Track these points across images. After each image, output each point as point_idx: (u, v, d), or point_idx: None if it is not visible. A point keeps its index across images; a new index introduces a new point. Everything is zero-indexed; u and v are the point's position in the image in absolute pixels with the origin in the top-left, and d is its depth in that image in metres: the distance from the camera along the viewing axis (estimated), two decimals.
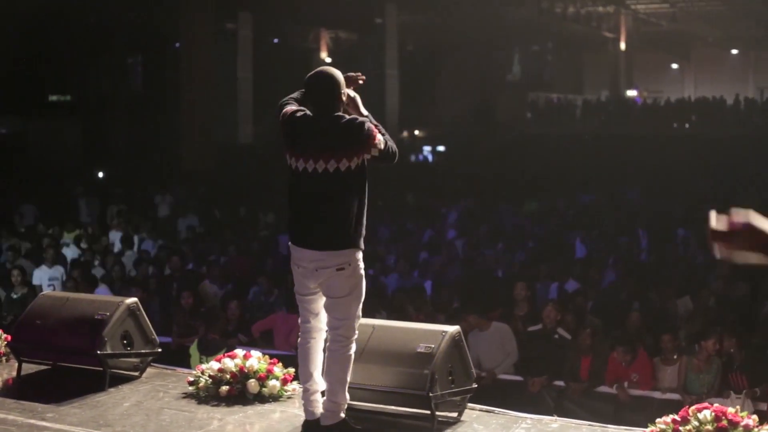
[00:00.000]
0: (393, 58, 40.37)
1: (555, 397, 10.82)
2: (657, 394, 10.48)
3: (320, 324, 6.03)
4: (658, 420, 5.73)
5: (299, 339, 6.08)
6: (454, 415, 6.31)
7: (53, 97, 39.22)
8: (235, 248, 17.04)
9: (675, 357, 10.82)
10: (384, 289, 13.65)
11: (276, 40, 42.61)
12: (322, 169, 5.68)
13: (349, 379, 5.90)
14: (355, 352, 5.93)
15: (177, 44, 31.15)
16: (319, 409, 5.92)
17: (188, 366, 9.15)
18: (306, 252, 5.81)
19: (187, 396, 6.89)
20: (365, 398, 6.25)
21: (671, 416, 5.67)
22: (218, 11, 32.13)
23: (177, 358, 10.46)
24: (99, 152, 35.41)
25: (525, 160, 33.10)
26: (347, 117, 5.77)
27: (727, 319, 11.65)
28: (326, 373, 5.90)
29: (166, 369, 7.70)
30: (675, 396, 10.31)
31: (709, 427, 5.53)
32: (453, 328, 6.31)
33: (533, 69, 52.20)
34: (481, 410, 6.52)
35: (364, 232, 5.83)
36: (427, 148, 43.69)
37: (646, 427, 5.82)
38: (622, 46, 49.71)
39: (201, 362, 9.29)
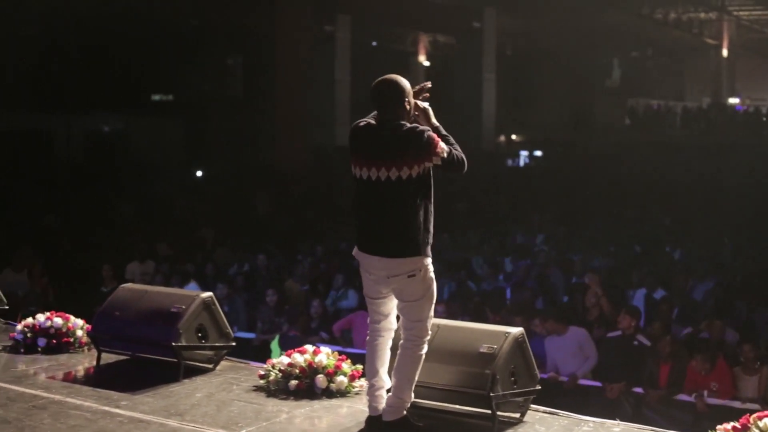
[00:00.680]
0: (491, 62, 40.29)
1: (633, 404, 10.80)
2: (737, 404, 10.37)
3: (390, 324, 6.12)
4: (719, 427, 5.71)
5: (368, 337, 6.18)
6: (517, 415, 6.35)
7: (156, 97, 39.97)
8: (323, 248, 17.23)
9: (757, 367, 10.71)
10: (469, 292, 13.74)
11: (374, 43, 42.82)
12: (385, 177, 5.75)
13: (417, 378, 5.99)
14: (425, 353, 6.02)
15: (276, 46, 31.50)
16: (382, 405, 6.01)
17: None
18: (374, 259, 5.89)
19: (258, 389, 7.03)
20: (427, 396, 6.32)
21: (732, 423, 5.64)
22: (317, 13, 32.43)
23: (260, 353, 10.66)
24: (199, 151, 36.02)
25: (621, 166, 32.82)
26: (408, 125, 5.82)
27: None
28: (396, 370, 5.99)
29: (240, 362, 7.87)
30: (755, 406, 10.18)
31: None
32: (516, 330, 6.35)
33: (633, 75, 51.67)
34: (544, 412, 6.55)
35: (431, 239, 5.88)
36: (524, 153, 43.55)
37: None
38: (725, 52, 49.02)
39: None
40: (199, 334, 7.47)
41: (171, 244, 18.57)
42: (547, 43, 40.88)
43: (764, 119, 43.72)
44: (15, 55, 30.73)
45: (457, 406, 6.38)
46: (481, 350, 6.18)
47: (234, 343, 7.79)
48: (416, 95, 6.02)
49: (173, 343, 7.26)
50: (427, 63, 43.52)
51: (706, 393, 10.48)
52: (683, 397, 10.63)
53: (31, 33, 31.89)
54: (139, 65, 33.99)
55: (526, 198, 26.22)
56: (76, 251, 17.82)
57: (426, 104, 6.03)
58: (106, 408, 6.54)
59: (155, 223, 20.44)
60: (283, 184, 27.39)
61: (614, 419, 6.45)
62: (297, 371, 6.96)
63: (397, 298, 5.97)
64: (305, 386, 6.91)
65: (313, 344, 7.61)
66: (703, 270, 15.30)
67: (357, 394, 6.88)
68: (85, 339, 8.19)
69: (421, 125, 5.89)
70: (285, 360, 7.05)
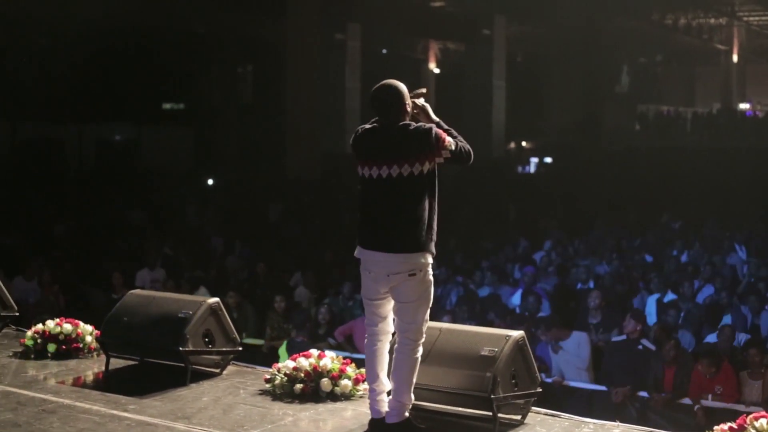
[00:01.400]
0: (500, 69, 40.36)
1: (638, 408, 10.88)
2: (741, 407, 10.43)
3: (387, 327, 6.21)
4: (716, 427, 5.80)
5: (366, 341, 6.28)
6: (518, 417, 6.45)
7: (167, 106, 40.18)
8: (331, 255, 17.36)
9: (762, 371, 10.77)
10: (476, 299, 13.86)
11: (384, 51, 42.98)
12: (396, 173, 5.87)
13: (415, 380, 6.08)
14: (422, 355, 6.11)
15: (286, 54, 31.63)
16: (384, 408, 6.11)
17: None
18: (377, 255, 5.98)
19: (263, 393, 7.14)
20: (430, 398, 6.43)
21: (728, 424, 5.73)
22: (327, 22, 32.55)
23: (268, 359, 10.76)
24: (209, 160, 36.21)
25: (631, 172, 32.87)
26: (414, 125, 5.96)
27: None
28: (393, 373, 6.09)
29: (246, 367, 7.99)
30: (758, 410, 10.24)
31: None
32: (517, 333, 6.45)
33: (643, 81, 51.71)
34: (545, 414, 6.64)
35: (435, 237, 5.98)
36: (534, 160, 43.61)
37: None
38: (735, 58, 49.04)
39: None
40: (206, 339, 7.58)
41: (182, 251, 18.71)
42: (557, 49, 40.93)
43: None
44: (27, 65, 30.94)
45: (459, 409, 6.49)
46: (482, 353, 6.28)
47: (240, 348, 7.91)
48: (412, 97, 6.14)
49: (180, 348, 7.37)
50: (437, 70, 43.69)
51: (710, 396, 10.55)
52: (688, 400, 10.70)
53: (43, 43, 32.15)
54: (150, 74, 34.18)
55: (536, 204, 26.29)
56: (87, 259, 17.96)
57: (423, 101, 6.16)
58: (115, 412, 6.65)
59: (166, 230, 20.58)
60: (293, 192, 27.51)
61: (614, 421, 6.54)
62: (302, 375, 7.06)
63: (394, 298, 6.05)
64: (310, 390, 7.01)
65: (320, 350, 7.72)
66: (711, 274, 15.37)
67: (361, 397, 6.97)
68: (94, 345, 8.30)
69: (424, 123, 6.03)
70: (290, 364, 7.15)
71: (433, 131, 5.89)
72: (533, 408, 6.58)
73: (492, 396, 6.12)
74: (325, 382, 7.01)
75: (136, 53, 33.08)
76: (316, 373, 7.05)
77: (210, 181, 32.43)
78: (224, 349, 7.72)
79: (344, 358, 7.34)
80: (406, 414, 6.07)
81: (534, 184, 34.42)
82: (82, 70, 32.01)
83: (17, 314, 9.25)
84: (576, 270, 15.56)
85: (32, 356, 8.25)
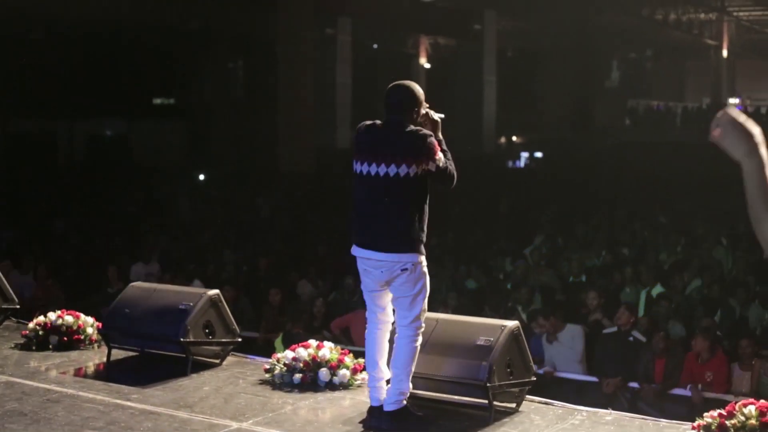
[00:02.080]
0: (491, 64, 40.54)
1: (629, 399, 11.03)
2: (730, 398, 10.58)
3: (386, 317, 6.37)
4: (705, 414, 5.96)
5: (366, 330, 6.43)
6: (513, 405, 6.61)
7: (157, 100, 40.25)
8: (324, 248, 17.51)
9: (753, 362, 10.91)
10: (465, 291, 14.03)
11: (375, 46, 43.13)
12: (384, 172, 6.01)
13: (413, 369, 6.24)
14: (420, 344, 6.27)
15: (277, 49, 31.73)
16: (383, 395, 6.26)
17: None
18: (369, 253, 6.14)
19: (263, 383, 7.29)
20: (427, 387, 6.59)
21: (718, 411, 5.90)
22: (318, 17, 32.65)
23: (263, 352, 10.88)
24: (201, 154, 36.30)
25: (622, 166, 33.05)
26: (413, 127, 6.09)
27: None
28: (393, 362, 6.24)
29: (246, 358, 8.15)
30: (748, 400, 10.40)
31: (753, 421, 5.74)
32: (512, 323, 6.62)
33: (633, 76, 51.90)
34: (540, 402, 6.81)
35: (425, 239, 6.14)
36: (524, 154, 43.79)
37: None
38: (725, 53, 49.24)
39: None
40: (207, 331, 7.72)
41: (175, 245, 18.83)
42: (547, 44, 41.11)
43: (764, 119, 43.87)
44: (18, 59, 30.99)
45: (456, 397, 6.65)
46: (479, 342, 6.45)
47: (240, 339, 8.06)
48: (428, 109, 6.25)
49: (181, 339, 7.51)
50: (428, 65, 43.81)
51: (700, 386, 10.69)
52: (678, 391, 10.85)
53: (34, 38, 32.18)
54: (141, 69, 34.26)
55: (527, 199, 26.43)
56: (81, 253, 18.07)
57: (438, 117, 6.25)
58: (118, 401, 6.79)
59: (159, 225, 20.68)
60: (285, 187, 27.62)
61: (607, 409, 6.71)
62: (301, 365, 7.21)
63: (391, 292, 6.22)
64: (309, 379, 7.16)
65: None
66: (699, 267, 15.52)
67: (359, 386, 7.13)
68: (95, 336, 8.43)
69: (424, 130, 6.15)
70: (289, 354, 7.31)
71: (428, 138, 6.03)
72: (527, 396, 6.74)
73: (488, 384, 6.28)
74: (324, 372, 7.16)
75: (128, 48, 33.16)
76: (315, 363, 7.21)
77: (202, 176, 32.53)
78: (224, 340, 7.87)
79: (342, 349, 7.50)
80: (404, 402, 6.22)
81: (525, 179, 34.57)
82: (73, 65, 32.12)
83: (18, 306, 9.37)
84: (567, 264, 15.71)
85: (34, 348, 8.37)
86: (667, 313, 12.68)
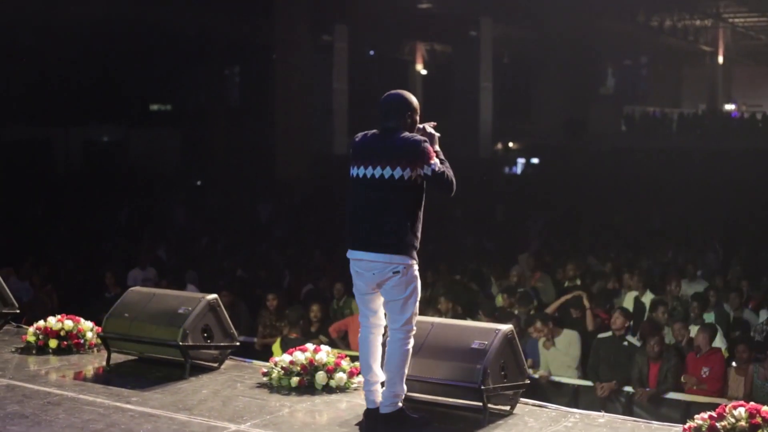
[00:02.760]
0: (487, 70, 40.58)
1: (624, 403, 11.14)
2: (724, 402, 10.66)
3: (379, 320, 6.46)
4: (696, 416, 6.05)
5: (359, 334, 6.52)
6: (507, 408, 6.70)
7: (154, 107, 40.33)
8: (320, 252, 17.62)
9: (747, 367, 11.00)
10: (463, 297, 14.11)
11: (371, 52, 43.21)
12: (379, 174, 6.13)
13: (407, 371, 6.32)
14: (415, 347, 6.36)
15: (273, 56, 31.82)
16: (378, 398, 6.36)
17: None
18: (362, 255, 6.24)
19: (261, 386, 7.38)
20: (422, 390, 6.68)
21: (708, 413, 5.98)
22: (314, 23, 32.71)
23: (261, 357, 10.97)
24: (197, 160, 36.38)
25: (618, 172, 33.16)
26: (408, 134, 6.21)
27: None
28: (386, 365, 6.33)
29: (243, 362, 8.24)
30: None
31: (743, 423, 5.82)
32: (506, 327, 6.71)
33: (628, 82, 52.00)
34: (533, 405, 6.90)
35: (418, 244, 6.23)
36: (521, 160, 43.89)
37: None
38: (720, 59, 49.35)
39: None
40: (205, 335, 7.81)
41: (172, 251, 18.91)
42: (543, 51, 41.19)
43: (760, 125, 44.03)
44: (13, 66, 31.03)
45: (451, 399, 6.74)
46: (473, 346, 6.54)
47: (238, 343, 8.15)
48: (422, 122, 6.37)
49: (180, 343, 7.60)
50: (424, 72, 43.93)
51: (695, 382, 10.79)
52: (672, 394, 10.95)
53: (30, 44, 32.19)
54: (137, 76, 34.32)
55: (523, 205, 26.52)
56: (78, 259, 18.15)
57: (433, 131, 6.35)
58: (118, 404, 6.88)
59: (155, 231, 20.75)
60: (282, 193, 27.69)
61: (600, 411, 6.80)
62: (298, 368, 7.30)
63: (382, 295, 6.31)
64: (306, 383, 7.25)
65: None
66: (693, 272, 15.62)
67: (356, 389, 7.22)
68: (94, 340, 8.52)
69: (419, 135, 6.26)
70: (287, 358, 7.40)
71: (422, 144, 6.14)
72: (521, 399, 6.84)
73: (482, 387, 6.37)
74: (321, 375, 7.25)
75: (124, 55, 33.20)
76: (312, 367, 7.30)
77: (198, 182, 32.60)
78: (222, 343, 7.95)
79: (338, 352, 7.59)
80: (400, 404, 6.31)
81: (521, 185, 34.66)
82: (69, 71, 32.14)
83: (18, 311, 9.46)
84: (562, 269, 15.80)
85: (34, 352, 8.46)
86: (664, 318, 12.77)
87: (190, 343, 7.68)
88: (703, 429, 5.92)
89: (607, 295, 14.05)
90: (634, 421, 6.74)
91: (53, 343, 8.42)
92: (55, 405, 6.84)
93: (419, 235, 6.21)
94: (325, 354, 7.38)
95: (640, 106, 48.77)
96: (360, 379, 7.16)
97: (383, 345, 6.43)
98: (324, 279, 15.57)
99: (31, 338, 8.54)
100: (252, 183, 29.58)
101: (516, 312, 12.70)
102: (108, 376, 7.80)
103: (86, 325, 8.61)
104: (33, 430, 6.28)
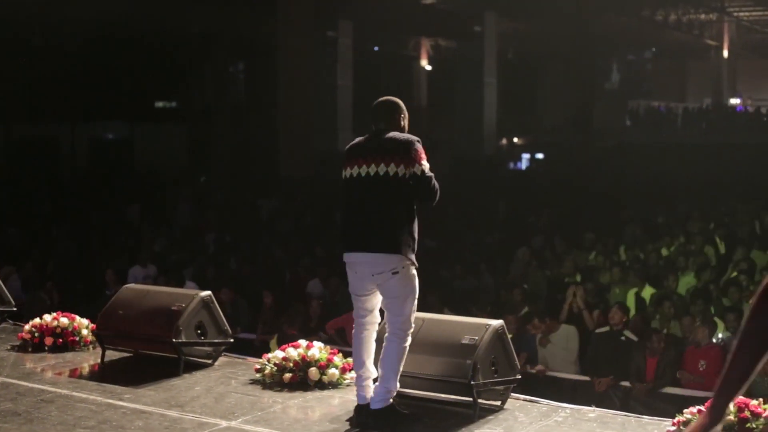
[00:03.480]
0: (492, 66, 40.55)
1: (621, 397, 11.14)
2: None
3: (374, 318, 6.50)
4: (685, 410, 6.07)
5: (354, 330, 6.55)
6: (498, 403, 6.72)
7: (159, 104, 40.37)
8: (321, 249, 17.64)
9: None
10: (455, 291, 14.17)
11: (376, 48, 43.21)
12: (374, 172, 6.19)
13: (401, 368, 6.35)
14: (408, 345, 6.39)
15: (278, 53, 31.82)
16: (370, 394, 6.38)
17: None
18: (360, 256, 6.27)
19: (254, 382, 7.42)
20: (413, 385, 6.71)
21: (697, 407, 6.00)
22: (318, 20, 32.68)
23: (260, 353, 10.99)
24: (202, 157, 36.44)
25: (622, 168, 33.11)
26: (399, 133, 6.30)
27: None
28: (382, 362, 6.35)
29: (237, 358, 8.28)
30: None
31: (731, 417, 5.85)
32: (496, 322, 6.72)
33: (633, 76, 51.94)
34: (524, 400, 6.92)
35: (415, 247, 6.25)
36: (525, 156, 43.88)
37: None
38: (725, 53, 49.26)
39: None
40: (199, 331, 7.85)
41: (173, 248, 18.94)
42: (548, 46, 41.17)
43: (765, 119, 43.97)
44: (19, 63, 31.12)
45: (441, 395, 6.77)
46: (463, 341, 6.56)
47: (232, 340, 8.17)
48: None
49: (174, 340, 7.63)
50: (428, 67, 43.91)
51: (693, 375, 10.80)
52: (669, 389, 10.96)
53: (35, 42, 32.30)
54: (142, 73, 34.37)
55: (527, 201, 26.49)
56: (81, 256, 18.21)
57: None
58: (110, 401, 6.92)
59: (159, 228, 20.80)
60: (285, 190, 27.70)
61: (590, 406, 6.81)
62: (291, 365, 7.33)
63: (381, 294, 6.34)
64: (299, 379, 7.28)
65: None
66: (690, 266, 15.61)
67: (348, 385, 7.25)
68: (89, 338, 8.56)
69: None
70: (280, 354, 7.43)
71: (415, 144, 6.21)
72: (512, 394, 6.86)
73: (472, 382, 6.40)
74: (313, 371, 7.28)
75: (129, 52, 33.26)
76: (305, 363, 7.33)
77: (203, 179, 32.63)
78: (216, 340, 7.99)
79: (333, 348, 7.61)
80: (391, 400, 6.34)
81: (526, 180, 34.63)
82: (75, 68, 32.21)
83: (15, 309, 9.50)
84: (561, 264, 15.81)
85: (30, 349, 8.50)
86: (669, 313, 12.77)
87: (184, 340, 7.72)
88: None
89: (606, 291, 14.06)
90: (625, 415, 6.77)
91: (49, 341, 8.45)
92: (48, 402, 6.88)
93: (416, 234, 6.25)
94: (318, 350, 7.41)
95: (644, 100, 48.73)
96: (353, 374, 7.19)
97: (379, 341, 6.45)
98: (325, 276, 15.59)
99: (27, 336, 8.58)
100: (256, 180, 29.61)
101: (514, 307, 12.72)
102: (102, 374, 7.85)
103: (82, 322, 8.65)
104: (25, 427, 6.31)
